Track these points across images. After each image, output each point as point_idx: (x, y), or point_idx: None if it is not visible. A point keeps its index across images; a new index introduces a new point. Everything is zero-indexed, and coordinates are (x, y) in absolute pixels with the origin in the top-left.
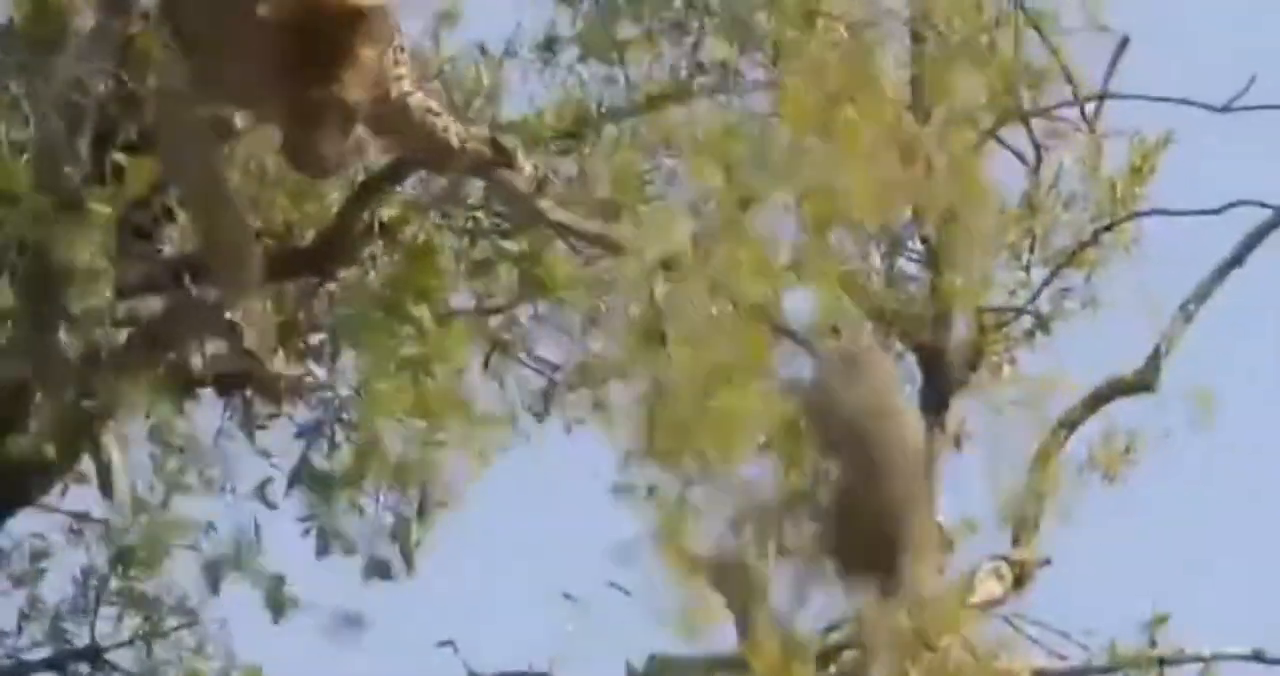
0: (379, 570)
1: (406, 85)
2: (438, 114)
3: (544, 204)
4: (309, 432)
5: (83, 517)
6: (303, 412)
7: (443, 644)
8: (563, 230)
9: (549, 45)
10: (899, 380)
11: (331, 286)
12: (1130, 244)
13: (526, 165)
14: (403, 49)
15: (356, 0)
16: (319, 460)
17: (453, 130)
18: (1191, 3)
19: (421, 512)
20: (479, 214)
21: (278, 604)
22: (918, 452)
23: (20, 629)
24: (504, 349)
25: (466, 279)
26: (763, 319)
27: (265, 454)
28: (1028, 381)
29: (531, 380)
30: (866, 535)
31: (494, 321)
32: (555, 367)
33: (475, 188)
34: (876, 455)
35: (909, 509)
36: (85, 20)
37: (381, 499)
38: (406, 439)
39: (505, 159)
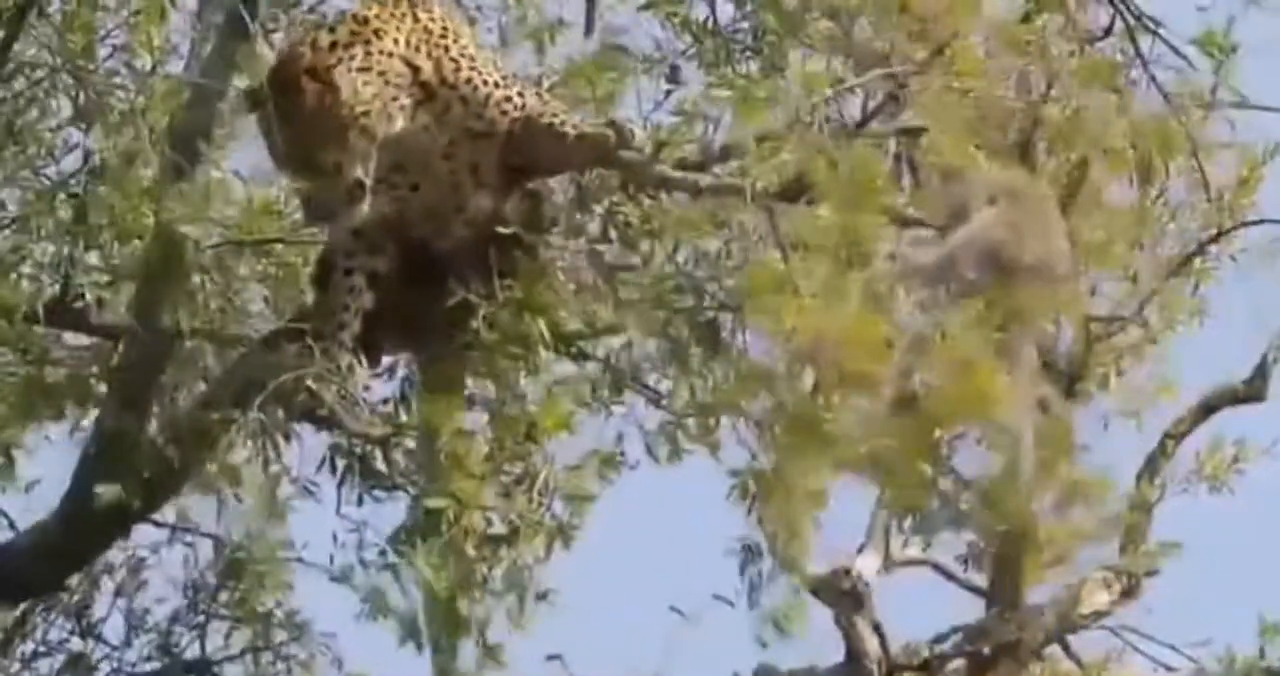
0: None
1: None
2: (555, 115)
3: (661, 168)
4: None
5: (192, 530)
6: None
7: (551, 657)
8: (682, 187)
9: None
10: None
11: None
12: (1238, 253)
13: (640, 133)
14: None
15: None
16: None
17: (569, 123)
18: None
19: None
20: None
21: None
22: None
23: (129, 642)
24: (616, 378)
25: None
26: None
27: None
28: (1135, 391)
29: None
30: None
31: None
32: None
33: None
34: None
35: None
36: None
37: None
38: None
39: (626, 140)
